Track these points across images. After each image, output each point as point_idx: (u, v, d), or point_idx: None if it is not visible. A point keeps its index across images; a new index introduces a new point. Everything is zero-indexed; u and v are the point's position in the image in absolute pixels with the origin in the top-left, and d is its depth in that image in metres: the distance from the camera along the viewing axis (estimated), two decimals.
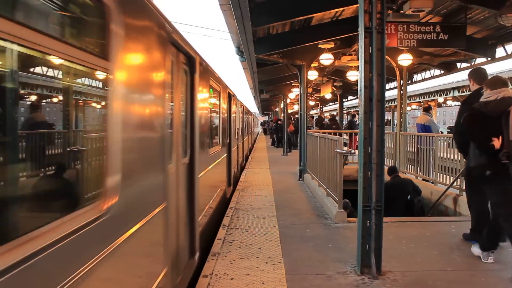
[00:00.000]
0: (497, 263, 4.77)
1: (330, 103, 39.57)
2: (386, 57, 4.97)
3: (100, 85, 2.37)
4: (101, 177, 2.16)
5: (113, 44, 2.23)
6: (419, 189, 8.94)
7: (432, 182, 9.40)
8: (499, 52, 12.08)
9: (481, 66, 5.40)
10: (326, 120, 23.64)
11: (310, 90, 22.29)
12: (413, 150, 10.81)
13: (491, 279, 4.35)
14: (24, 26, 1.54)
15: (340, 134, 11.99)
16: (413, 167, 10.80)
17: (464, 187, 7.51)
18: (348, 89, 22.58)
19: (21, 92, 1.77)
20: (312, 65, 12.46)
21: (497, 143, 4.32)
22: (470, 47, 11.05)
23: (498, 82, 4.77)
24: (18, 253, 1.48)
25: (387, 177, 8.75)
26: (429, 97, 33.72)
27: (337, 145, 6.99)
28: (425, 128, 10.65)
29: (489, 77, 5.15)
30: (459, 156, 7.86)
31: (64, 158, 2.11)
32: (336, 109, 29.53)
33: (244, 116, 19.67)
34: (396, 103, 15.46)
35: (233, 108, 11.34)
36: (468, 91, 25.54)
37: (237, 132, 12.99)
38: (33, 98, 1.94)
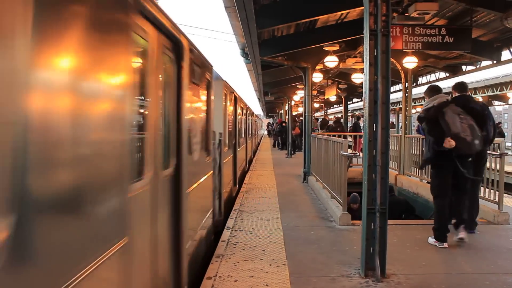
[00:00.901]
0: (502, 267, 4.75)
1: (335, 106, 39.51)
2: (391, 59, 4.97)
3: None
4: None
5: None
6: (412, 209, 9.10)
7: None
8: (505, 55, 12.04)
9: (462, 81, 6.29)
10: (331, 122, 23.61)
11: (314, 92, 22.32)
12: (417, 153, 10.78)
13: (495, 283, 4.33)
14: None
15: (345, 137, 11.99)
16: (417, 170, 10.76)
17: None
18: (353, 91, 22.56)
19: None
20: (317, 67, 12.46)
21: (451, 142, 5.27)
22: (475, 50, 11.02)
23: (433, 90, 5.93)
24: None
25: None
26: None
27: (342, 148, 6.98)
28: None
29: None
30: None
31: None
32: (341, 112, 29.49)
33: (240, 115, 13.50)
34: (401, 106, 15.42)
35: (204, 94, 5.41)
36: (473, 94, 25.45)
37: (221, 144, 7.28)
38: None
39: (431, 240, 5.63)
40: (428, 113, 5.55)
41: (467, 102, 5.69)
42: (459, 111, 5.38)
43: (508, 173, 14.15)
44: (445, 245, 5.46)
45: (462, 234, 5.51)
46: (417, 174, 10.72)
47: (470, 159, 5.54)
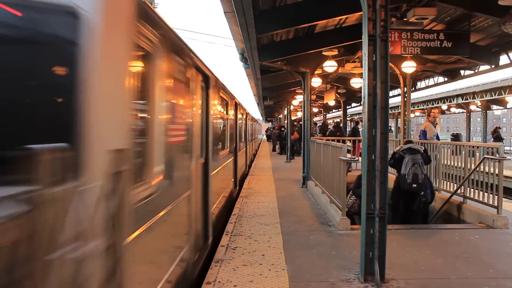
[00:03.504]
0: (501, 272, 4.75)
1: (334, 110, 39.58)
2: (390, 64, 4.99)
3: None
4: None
5: None
6: None
7: (436, 190, 9.36)
8: (503, 59, 12.12)
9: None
10: (330, 127, 23.62)
11: (313, 97, 22.39)
12: None
13: None
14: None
15: (344, 141, 11.99)
16: None
17: (467, 195, 7.64)
18: (352, 96, 22.61)
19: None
20: (316, 72, 12.50)
21: None
22: (473, 55, 11.08)
23: (405, 142, 8.21)
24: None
25: None
26: (432, 104, 33.66)
27: (341, 152, 6.99)
28: (424, 133, 10.82)
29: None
30: (463, 163, 7.87)
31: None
32: (340, 116, 29.53)
33: (226, 113, 8.98)
34: (399, 110, 15.45)
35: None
36: (471, 99, 25.47)
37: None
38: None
39: None
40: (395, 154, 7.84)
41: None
42: (417, 161, 7.32)
43: (507, 177, 14.16)
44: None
45: None
46: None
47: (416, 198, 7.55)
